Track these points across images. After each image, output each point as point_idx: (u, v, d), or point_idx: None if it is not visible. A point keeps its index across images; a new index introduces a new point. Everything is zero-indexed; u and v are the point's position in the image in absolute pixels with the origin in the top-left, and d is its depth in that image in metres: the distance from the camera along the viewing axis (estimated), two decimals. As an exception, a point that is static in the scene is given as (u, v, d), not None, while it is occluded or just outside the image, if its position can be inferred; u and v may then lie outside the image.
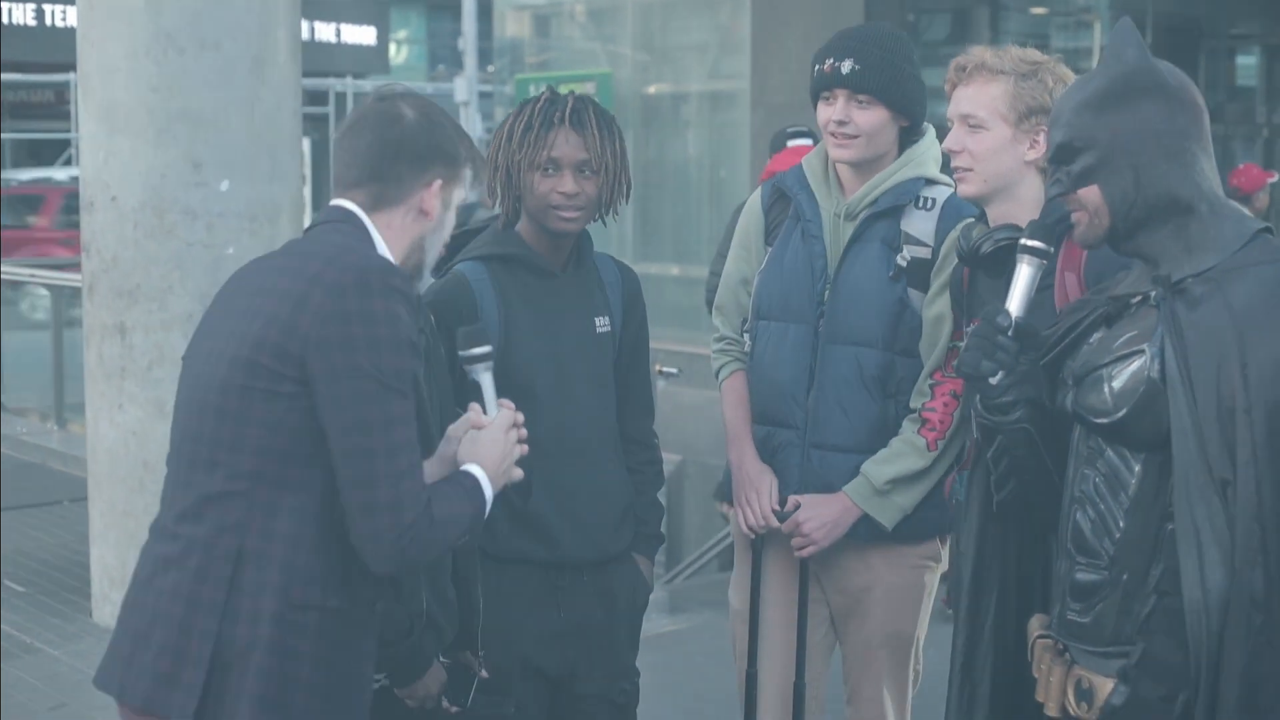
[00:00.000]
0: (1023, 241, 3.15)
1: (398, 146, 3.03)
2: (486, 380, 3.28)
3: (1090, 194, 2.94)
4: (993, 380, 3.05)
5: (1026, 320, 3.08)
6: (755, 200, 4.29)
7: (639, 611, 4.05)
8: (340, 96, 31.69)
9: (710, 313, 4.48)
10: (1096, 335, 3.00)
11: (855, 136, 3.99)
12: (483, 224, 4.03)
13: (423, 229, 3.07)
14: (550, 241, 3.89)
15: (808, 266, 4.04)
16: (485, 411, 3.21)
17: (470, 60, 27.94)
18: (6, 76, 23.67)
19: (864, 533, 4.01)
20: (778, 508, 4.03)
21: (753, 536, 4.10)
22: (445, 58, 38.85)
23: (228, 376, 2.89)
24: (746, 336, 4.20)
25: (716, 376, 4.31)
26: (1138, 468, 2.88)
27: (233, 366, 2.89)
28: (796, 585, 4.10)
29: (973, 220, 3.73)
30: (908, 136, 4.09)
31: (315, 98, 32.36)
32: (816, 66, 4.04)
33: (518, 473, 3.16)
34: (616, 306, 4.03)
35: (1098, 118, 2.92)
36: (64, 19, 25.53)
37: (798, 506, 4.01)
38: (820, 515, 3.98)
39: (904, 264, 3.98)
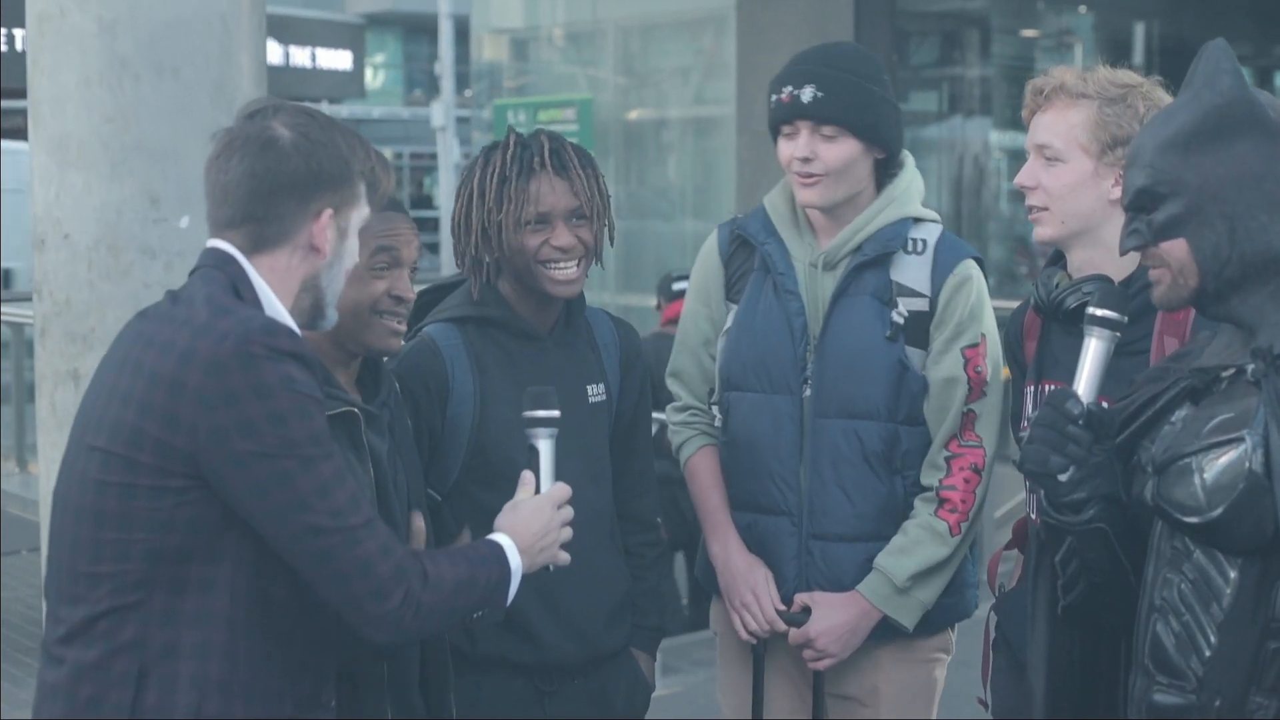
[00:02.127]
0: (1091, 311, 2.70)
1: (274, 180, 2.56)
2: (546, 449, 2.91)
3: (1175, 248, 2.50)
4: (1062, 477, 2.59)
5: (1099, 406, 2.63)
6: (711, 248, 3.72)
7: (639, 716, 3.58)
8: (315, 121, 31.35)
9: None
10: (1180, 414, 2.54)
11: (822, 175, 3.48)
12: (454, 279, 3.53)
13: (314, 267, 2.62)
14: (537, 302, 3.42)
15: (785, 327, 3.53)
16: (539, 483, 2.86)
17: (447, 85, 27.67)
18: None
19: (876, 633, 3.54)
20: (782, 607, 3.55)
21: (754, 642, 3.60)
22: (422, 82, 38.53)
23: (101, 475, 2.47)
24: (714, 409, 3.68)
25: (677, 453, 3.77)
26: (1234, 574, 2.42)
27: (106, 464, 2.47)
28: (808, 697, 3.61)
29: (1051, 266, 3.28)
30: (884, 170, 3.59)
31: (290, 123, 32.04)
32: (774, 96, 3.53)
33: (564, 556, 2.82)
34: (613, 371, 3.54)
35: (1185, 159, 2.48)
36: (34, 44, 25.12)
37: (806, 610, 3.53)
38: (836, 625, 3.49)
39: (901, 320, 3.50)
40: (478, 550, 2.67)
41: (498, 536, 2.71)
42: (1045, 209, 3.21)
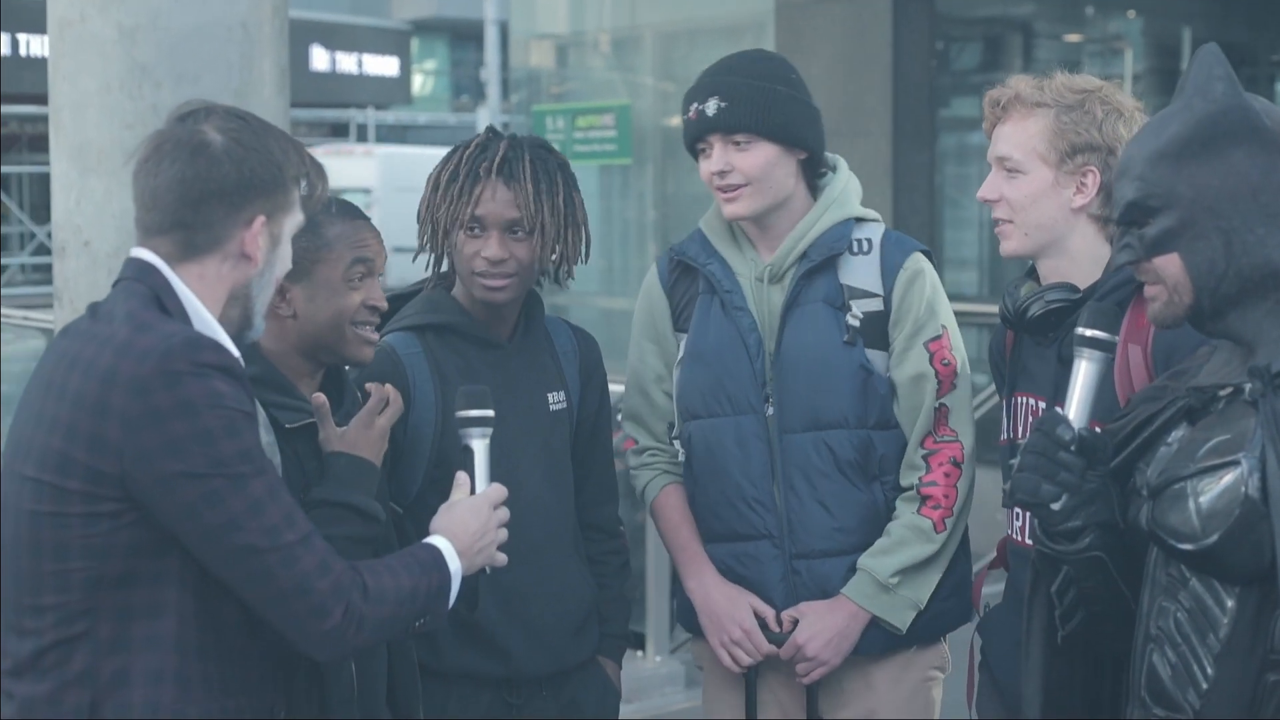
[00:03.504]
0: (1080, 331, 2.60)
1: (203, 186, 2.47)
2: (481, 449, 2.86)
3: (1169, 264, 2.41)
4: (1055, 506, 2.49)
5: (1091, 431, 2.51)
6: (652, 280, 3.59)
7: None
8: (362, 128, 31.45)
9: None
10: (1176, 434, 2.45)
11: (743, 185, 3.38)
12: (414, 287, 3.48)
13: (245, 275, 2.54)
14: (491, 308, 3.36)
15: (739, 345, 3.42)
16: (474, 484, 2.79)
17: (493, 91, 27.79)
18: (28, 109, 23.53)
19: (872, 642, 3.43)
20: (775, 629, 3.44)
21: (741, 671, 3.48)
22: (469, 88, 38.58)
23: (34, 505, 2.40)
24: (677, 444, 3.56)
25: (642, 497, 3.65)
26: (1231, 604, 2.32)
27: (37, 494, 2.39)
28: (803, 716, 3.50)
29: (1020, 276, 3.21)
30: (811, 170, 3.48)
31: (337, 129, 32.19)
32: (684, 116, 3.45)
33: (501, 558, 2.74)
34: (573, 379, 3.49)
35: (1178, 170, 2.38)
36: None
37: (795, 624, 3.42)
38: (824, 629, 3.38)
39: (857, 323, 3.39)
40: (416, 557, 2.59)
41: (435, 540, 2.64)
42: (1009, 221, 3.13)
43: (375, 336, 2.98)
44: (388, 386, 2.91)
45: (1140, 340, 2.91)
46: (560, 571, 3.39)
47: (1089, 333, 2.59)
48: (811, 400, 3.40)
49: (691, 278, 3.54)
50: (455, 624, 3.23)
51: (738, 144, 3.38)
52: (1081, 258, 3.09)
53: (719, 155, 3.39)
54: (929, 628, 3.48)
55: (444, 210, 3.30)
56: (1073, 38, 15.09)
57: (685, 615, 3.61)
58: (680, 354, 3.53)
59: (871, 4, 11.22)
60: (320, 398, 2.87)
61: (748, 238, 3.51)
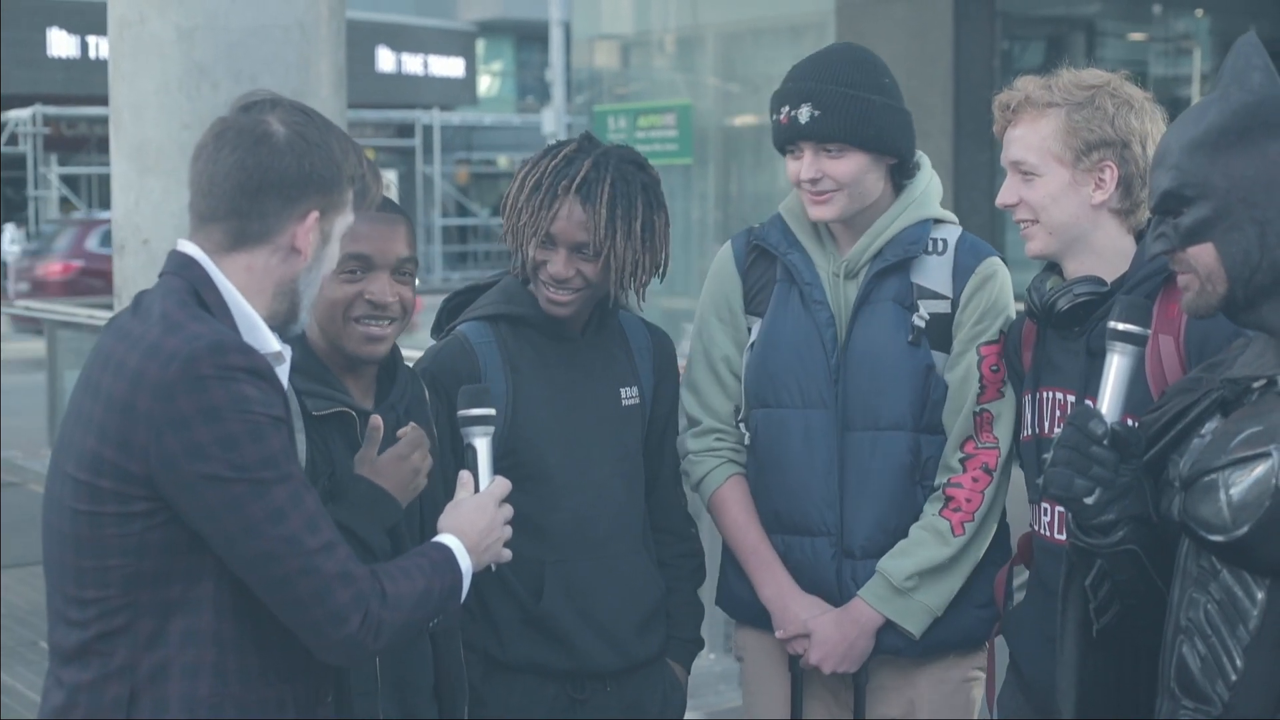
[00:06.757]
0: (1113, 325, 2.59)
1: (263, 176, 2.45)
2: (483, 446, 2.86)
3: (1203, 253, 2.39)
4: (1088, 500, 2.48)
5: (1124, 425, 2.50)
6: (727, 259, 3.56)
7: None
8: (427, 129, 31.60)
9: None
10: (1209, 426, 2.43)
11: (833, 191, 3.36)
12: (492, 279, 3.50)
13: (293, 270, 2.52)
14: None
15: (816, 339, 3.40)
16: (477, 482, 2.79)
17: (558, 92, 27.83)
18: (97, 111, 23.79)
19: (918, 645, 3.41)
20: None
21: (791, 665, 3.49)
22: (534, 89, 38.72)
23: (73, 502, 2.42)
24: (743, 427, 3.53)
25: (699, 485, 3.58)
26: (1261, 596, 2.30)
27: (76, 491, 2.41)
28: (848, 711, 3.50)
29: (1045, 272, 3.20)
30: (899, 173, 3.45)
31: (402, 130, 32.36)
32: (773, 116, 3.40)
33: (506, 554, 2.74)
34: (646, 375, 3.47)
35: (1213, 160, 2.36)
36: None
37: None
38: (833, 647, 3.38)
39: (923, 323, 3.37)
40: (430, 557, 2.58)
41: (445, 539, 2.63)
42: (1034, 221, 3.12)
43: (378, 331, 2.95)
44: (414, 426, 2.91)
45: (1172, 331, 2.90)
46: (626, 567, 3.38)
47: (1121, 326, 2.57)
48: (873, 400, 3.39)
49: (768, 263, 3.52)
50: (520, 615, 3.25)
51: (830, 151, 3.35)
52: (1107, 252, 3.08)
53: (811, 162, 3.36)
54: (974, 631, 3.46)
55: (524, 217, 3.29)
56: (1138, 37, 14.99)
57: (730, 603, 3.60)
58: (752, 338, 3.51)
59: (933, 4, 11.19)
60: (376, 420, 2.88)
61: (829, 231, 3.49)
